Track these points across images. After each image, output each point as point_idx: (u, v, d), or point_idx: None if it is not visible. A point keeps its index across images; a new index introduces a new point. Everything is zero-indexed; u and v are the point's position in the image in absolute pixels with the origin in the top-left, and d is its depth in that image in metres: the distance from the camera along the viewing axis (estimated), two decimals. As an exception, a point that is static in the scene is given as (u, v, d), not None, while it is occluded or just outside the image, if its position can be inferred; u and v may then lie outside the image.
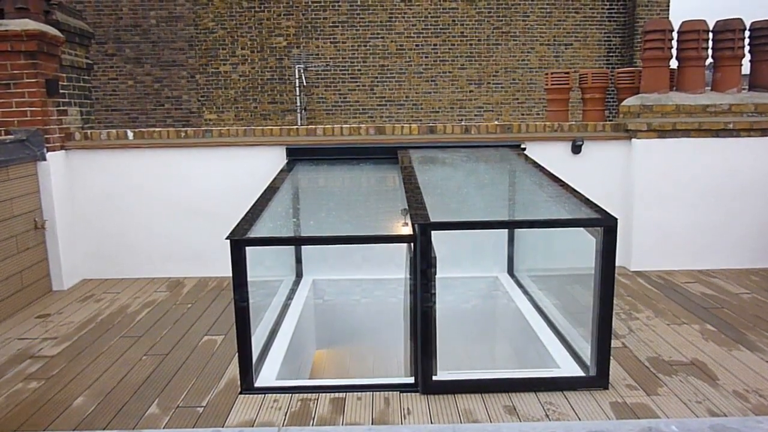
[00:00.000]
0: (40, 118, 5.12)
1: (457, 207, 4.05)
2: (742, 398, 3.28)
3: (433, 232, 3.32)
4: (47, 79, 5.17)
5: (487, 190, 4.53)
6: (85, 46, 5.99)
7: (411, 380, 3.48)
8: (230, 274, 3.30)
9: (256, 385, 3.49)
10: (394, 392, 3.39)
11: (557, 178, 4.39)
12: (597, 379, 3.43)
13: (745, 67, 5.87)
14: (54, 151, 5.27)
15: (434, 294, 3.43)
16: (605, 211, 3.48)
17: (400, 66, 13.97)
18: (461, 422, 3.09)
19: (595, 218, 3.40)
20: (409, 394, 3.37)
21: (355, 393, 3.40)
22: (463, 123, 11.87)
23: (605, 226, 3.27)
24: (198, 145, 5.53)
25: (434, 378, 3.38)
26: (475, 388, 3.42)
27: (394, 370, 5.03)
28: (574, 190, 3.99)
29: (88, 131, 5.60)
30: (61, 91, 5.40)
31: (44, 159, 5.16)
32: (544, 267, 5.10)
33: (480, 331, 5.52)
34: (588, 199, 3.75)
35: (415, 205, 3.61)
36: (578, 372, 3.60)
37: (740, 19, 5.52)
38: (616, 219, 3.29)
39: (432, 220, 3.35)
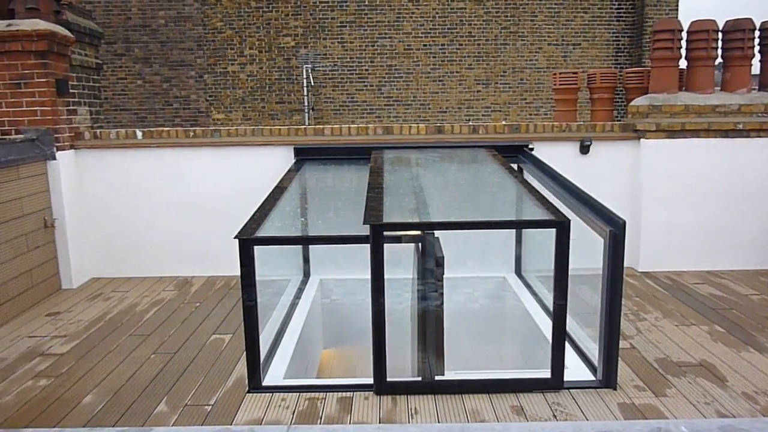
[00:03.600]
0: (50, 117, 5.15)
1: (416, 208, 4.03)
2: (751, 400, 3.27)
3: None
4: (57, 78, 5.20)
5: (452, 190, 4.51)
6: (94, 46, 6.02)
7: (369, 381, 3.46)
8: (238, 274, 3.32)
9: (264, 384, 3.50)
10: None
11: (524, 179, 4.33)
12: (605, 380, 3.42)
13: (755, 67, 5.83)
14: (64, 150, 5.31)
15: (442, 294, 3.44)
16: (560, 212, 3.46)
17: (408, 66, 13.96)
18: (468, 422, 3.08)
19: (548, 220, 3.41)
20: (414, 395, 3.38)
21: (362, 392, 3.40)
22: (470, 123, 11.86)
23: (558, 227, 3.27)
24: (206, 145, 5.55)
25: (388, 380, 3.38)
26: (426, 389, 3.41)
27: (400, 370, 5.02)
28: (536, 192, 3.97)
29: (98, 131, 5.63)
30: (71, 90, 5.44)
31: (54, 158, 5.19)
32: (552, 267, 5.08)
33: (487, 331, 5.51)
34: (547, 201, 3.74)
35: (372, 206, 3.61)
36: (586, 373, 3.60)
37: (750, 19, 5.49)
38: (625, 222, 3.28)
39: (385, 221, 3.36)
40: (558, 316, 3.33)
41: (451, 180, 4.82)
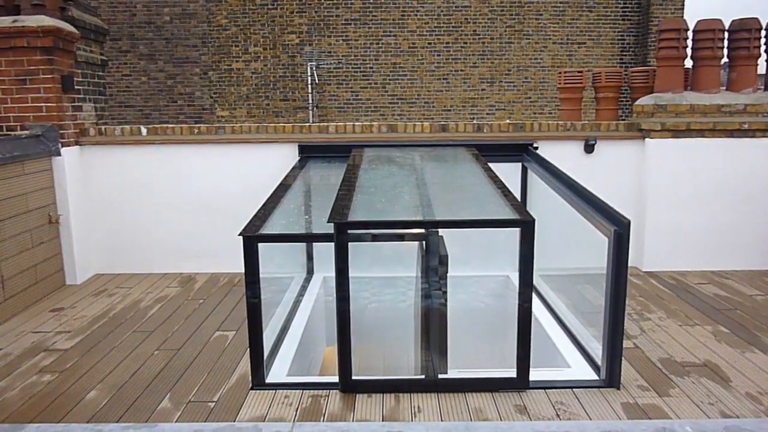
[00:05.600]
0: (55, 113, 5.16)
1: (383, 207, 4.02)
2: (755, 400, 3.26)
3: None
4: (62, 75, 5.21)
5: (424, 190, 4.52)
6: (99, 43, 6.03)
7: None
8: (242, 270, 3.32)
9: (267, 380, 3.51)
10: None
11: (497, 177, 4.31)
12: (608, 380, 3.42)
13: (761, 67, 5.81)
14: (68, 146, 5.32)
15: (445, 292, 3.43)
16: (526, 211, 3.45)
17: (413, 64, 13.95)
18: (471, 420, 3.09)
19: (514, 219, 3.39)
20: (419, 393, 3.38)
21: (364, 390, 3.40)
22: (475, 121, 11.84)
23: (523, 227, 3.25)
24: (210, 142, 5.56)
25: (353, 378, 3.38)
26: (392, 388, 3.39)
27: (404, 368, 5.03)
28: (508, 191, 3.95)
29: (102, 127, 5.64)
30: (76, 87, 5.44)
31: (59, 154, 5.20)
32: (556, 266, 5.08)
33: (490, 330, 5.51)
34: (517, 200, 3.73)
35: (340, 204, 3.60)
36: (589, 372, 3.60)
37: (756, 19, 5.47)
38: (629, 221, 3.27)
39: (350, 219, 3.34)
40: (523, 316, 3.29)
41: (427, 180, 4.82)
